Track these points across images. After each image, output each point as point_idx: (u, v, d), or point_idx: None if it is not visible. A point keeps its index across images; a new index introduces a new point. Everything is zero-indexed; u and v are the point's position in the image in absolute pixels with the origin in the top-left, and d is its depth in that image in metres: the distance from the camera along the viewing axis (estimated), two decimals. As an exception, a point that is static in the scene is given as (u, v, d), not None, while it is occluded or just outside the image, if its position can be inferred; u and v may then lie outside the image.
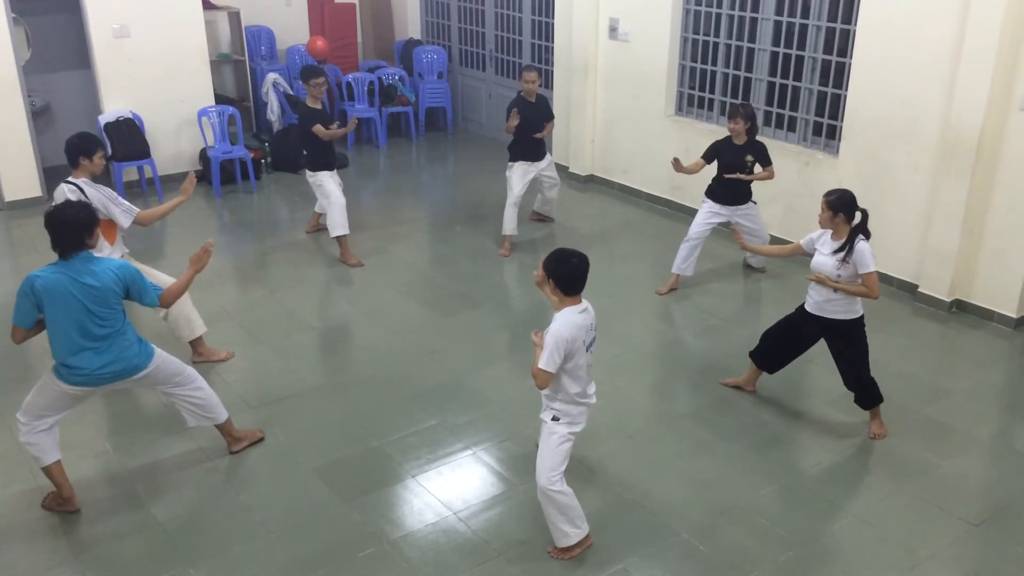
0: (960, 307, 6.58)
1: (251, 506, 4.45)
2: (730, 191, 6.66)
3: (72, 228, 4.05)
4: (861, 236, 4.76)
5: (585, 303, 3.91)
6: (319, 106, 7.26)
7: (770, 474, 4.73)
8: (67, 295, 4.02)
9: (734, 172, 6.56)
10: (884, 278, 6.97)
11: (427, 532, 4.27)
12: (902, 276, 6.88)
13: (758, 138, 6.64)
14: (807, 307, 5.01)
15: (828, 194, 4.81)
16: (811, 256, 4.98)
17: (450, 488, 4.59)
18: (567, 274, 3.79)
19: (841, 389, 5.48)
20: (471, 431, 5.08)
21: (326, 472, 4.71)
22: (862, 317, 4.92)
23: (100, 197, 5.32)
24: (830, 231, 4.85)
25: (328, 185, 7.27)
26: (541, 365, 3.75)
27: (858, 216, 4.77)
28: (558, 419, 3.98)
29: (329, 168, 7.35)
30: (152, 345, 4.42)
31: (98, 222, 4.22)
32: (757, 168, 6.58)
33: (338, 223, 7.25)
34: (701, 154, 6.77)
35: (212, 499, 4.52)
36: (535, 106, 7.46)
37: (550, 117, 7.70)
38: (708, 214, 6.76)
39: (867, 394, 5.01)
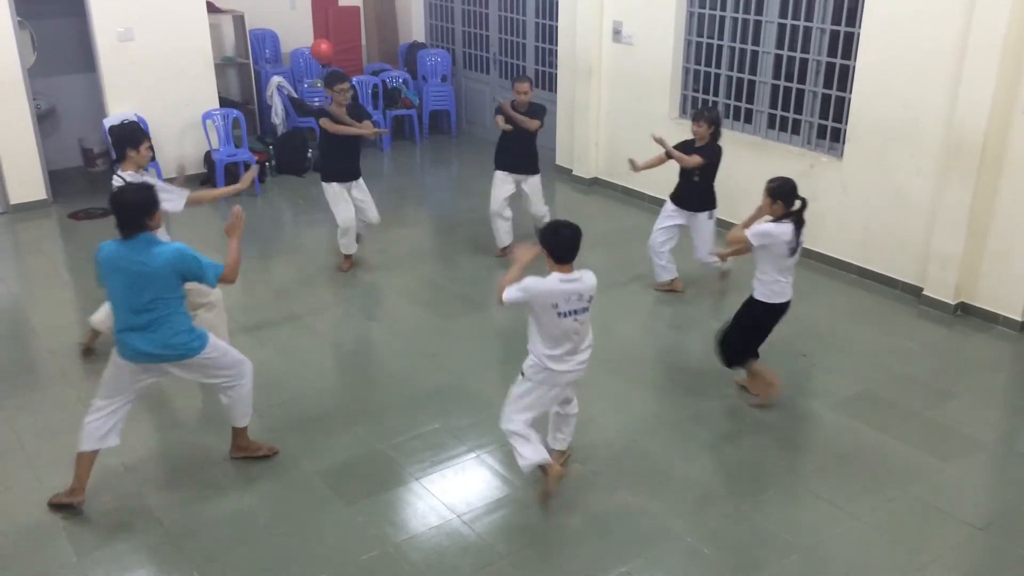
0: (965, 310, 6.56)
1: (254, 509, 4.45)
2: (688, 195, 6.58)
3: (131, 209, 4.11)
4: (787, 221, 4.94)
5: (579, 274, 4.13)
6: (340, 111, 6.82)
7: (773, 477, 4.72)
8: (119, 272, 4.14)
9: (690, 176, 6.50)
10: (889, 281, 6.99)
11: (431, 535, 4.27)
12: (907, 279, 6.87)
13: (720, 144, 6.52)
14: None
15: (770, 181, 5.04)
16: None
17: (453, 491, 4.59)
18: (557, 244, 4.10)
19: (844, 391, 5.51)
20: (474, 434, 5.08)
21: (329, 475, 4.71)
22: (765, 303, 5.09)
23: None
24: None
25: (335, 204, 6.94)
26: (504, 285, 4.10)
27: (797, 204, 4.96)
28: (524, 374, 4.27)
29: (341, 179, 6.94)
30: (207, 335, 4.41)
31: (158, 204, 4.27)
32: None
33: (342, 244, 7.13)
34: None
35: (216, 502, 4.52)
36: (524, 115, 7.13)
37: (534, 116, 7.06)
38: (664, 218, 6.71)
39: (723, 353, 5.33)
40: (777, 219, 4.98)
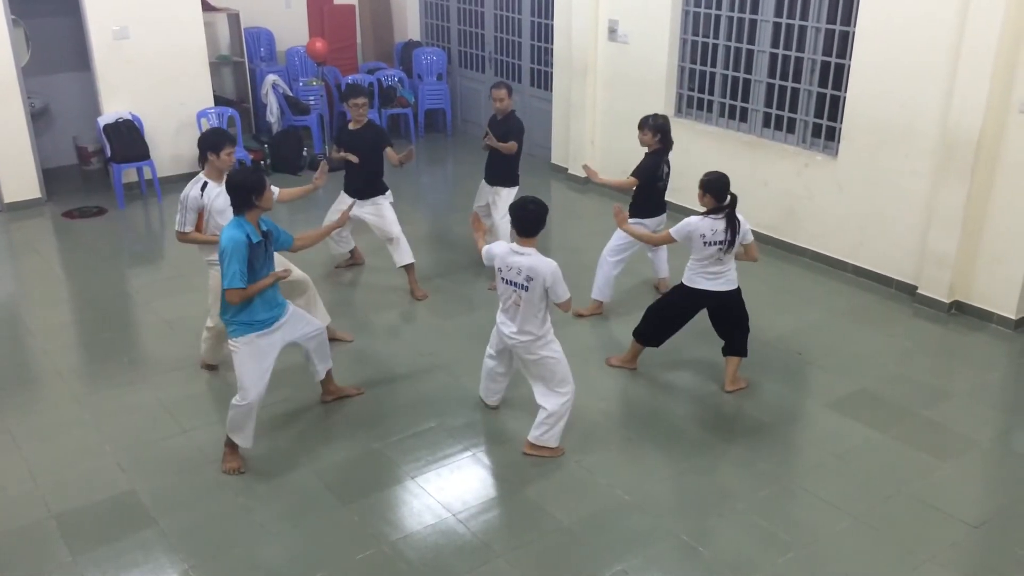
0: (959, 309, 6.58)
1: (250, 508, 4.45)
2: (631, 206, 6.37)
3: (239, 189, 4.44)
4: (718, 217, 5.10)
5: (529, 251, 4.53)
6: (358, 127, 6.65)
7: (769, 476, 4.73)
8: None
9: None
10: (883, 279, 7.00)
11: (426, 534, 4.27)
12: (901, 278, 6.88)
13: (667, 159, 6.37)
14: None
15: (705, 174, 5.17)
16: None
17: (449, 490, 4.59)
18: (522, 217, 4.58)
19: (839, 390, 5.52)
20: (470, 433, 5.08)
21: (325, 474, 4.71)
22: (684, 284, 5.37)
23: (207, 202, 5.24)
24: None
25: (332, 210, 6.92)
26: (479, 248, 4.94)
27: (728, 199, 5.11)
28: None
29: (348, 192, 6.80)
30: (241, 333, 4.56)
31: (266, 186, 4.47)
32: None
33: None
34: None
35: (211, 501, 4.51)
36: (499, 124, 6.89)
37: (507, 139, 6.81)
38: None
39: (641, 321, 5.66)
40: (706, 213, 5.15)
